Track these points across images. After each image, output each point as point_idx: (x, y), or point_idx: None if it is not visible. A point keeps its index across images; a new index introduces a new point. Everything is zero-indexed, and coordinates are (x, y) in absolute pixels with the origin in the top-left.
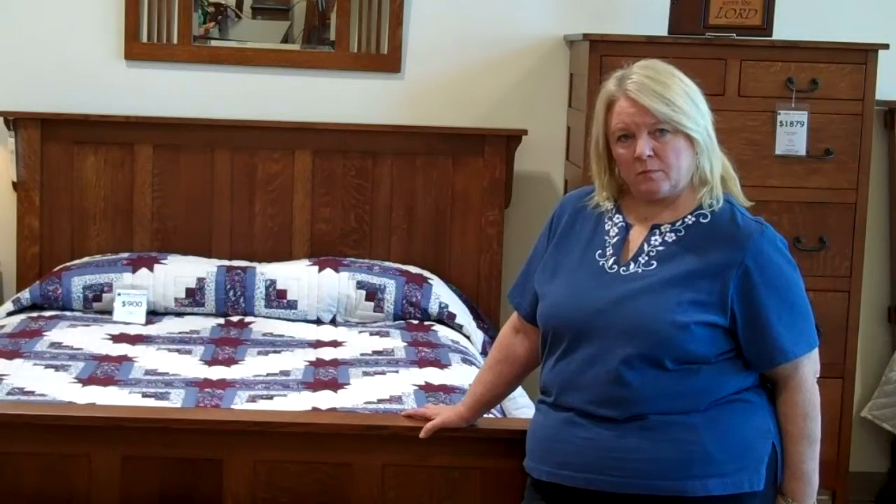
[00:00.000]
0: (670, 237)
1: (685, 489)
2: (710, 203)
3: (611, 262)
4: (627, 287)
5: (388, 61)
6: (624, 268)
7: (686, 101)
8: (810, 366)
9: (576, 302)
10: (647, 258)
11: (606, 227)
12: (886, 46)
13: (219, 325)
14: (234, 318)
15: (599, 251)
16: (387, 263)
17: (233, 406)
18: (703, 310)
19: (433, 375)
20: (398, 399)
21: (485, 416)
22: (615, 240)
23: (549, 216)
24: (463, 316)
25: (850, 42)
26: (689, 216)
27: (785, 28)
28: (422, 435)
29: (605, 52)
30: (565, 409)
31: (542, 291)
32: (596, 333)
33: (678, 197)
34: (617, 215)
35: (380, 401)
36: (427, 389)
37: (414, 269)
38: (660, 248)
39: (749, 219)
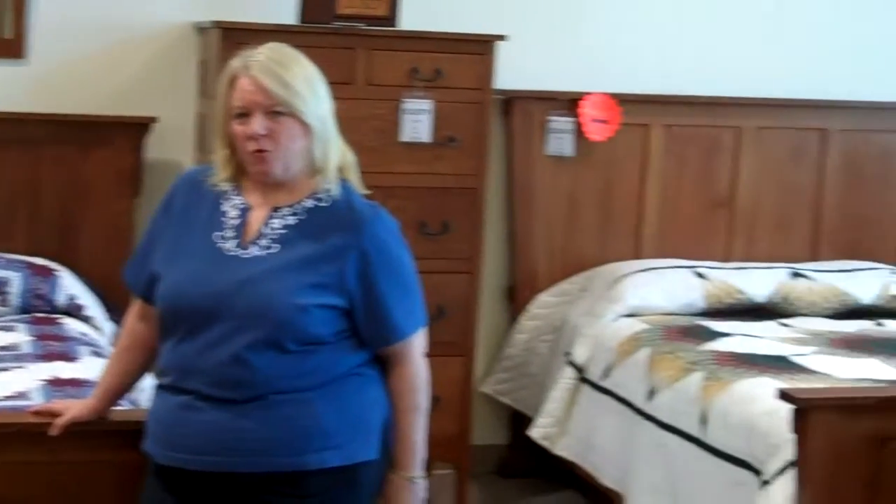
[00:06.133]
0: (291, 220)
1: (304, 463)
2: (326, 189)
3: (231, 244)
4: (249, 270)
5: (12, 46)
6: (245, 250)
7: (305, 87)
8: (419, 342)
9: (196, 285)
10: (268, 241)
11: (225, 208)
12: (504, 38)
13: None
14: None
15: (219, 233)
16: (10, 255)
17: None
18: (324, 292)
19: (62, 369)
20: (24, 395)
21: (116, 408)
22: (235, 221)
23: (166, 193)
24: (93, 308)
25: (472, 33)
26: (308, 199)
27: (411, 19)
28: (53, 432)
29: (236, 40)
30: (185, 392)
31: (161, 273)
32: (217, 317)
33: (294, 180)
34: (236, 196)
35: (5, 398)
36: (56, 384)
37: (40, 261)
38: (281, 230)
39: (365, 204)
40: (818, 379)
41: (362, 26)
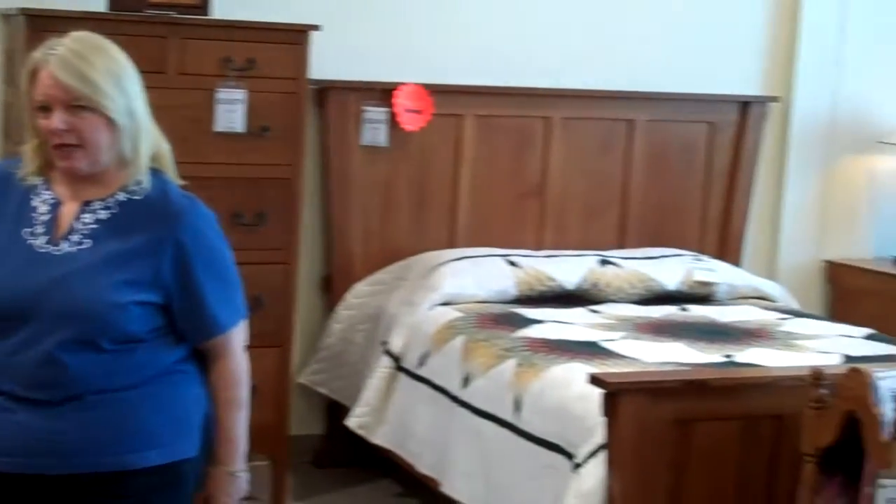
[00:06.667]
0: (103, 214)
1: (125, 463)
2: (138, 181)
3: (41, 240)
4: (61, 268)
5: None
6: (56, 247)
7: (108, 81)
8: (239, 336)
9: (6, 284)
10: (80, 237)
11: (35, 203)
12: (318, 28)
13: None
14: None
15: (29, 229)
16: None
17: None
18: (138, 288)
19: None
20: None
21: None
22: (46, 217)
23: None
24: None
25: (285, 23)
26: (121, 193)
27: (224, 7)
28: None
29: (42, 28)
30: None
31: None
32: (29, 317)
33: (104, 173)
34: (46, 191)
35: None
36: None
37: None
38: (93, 225)
39: (180, 195)
40: (627, 363)
41: (174, 14)
